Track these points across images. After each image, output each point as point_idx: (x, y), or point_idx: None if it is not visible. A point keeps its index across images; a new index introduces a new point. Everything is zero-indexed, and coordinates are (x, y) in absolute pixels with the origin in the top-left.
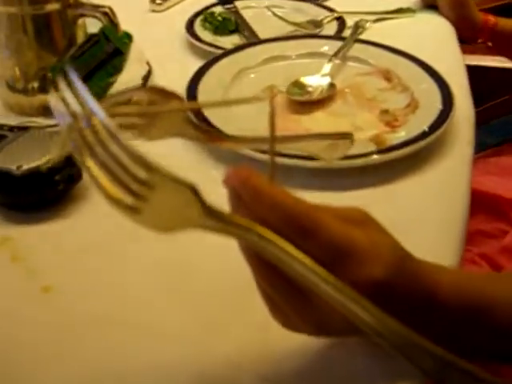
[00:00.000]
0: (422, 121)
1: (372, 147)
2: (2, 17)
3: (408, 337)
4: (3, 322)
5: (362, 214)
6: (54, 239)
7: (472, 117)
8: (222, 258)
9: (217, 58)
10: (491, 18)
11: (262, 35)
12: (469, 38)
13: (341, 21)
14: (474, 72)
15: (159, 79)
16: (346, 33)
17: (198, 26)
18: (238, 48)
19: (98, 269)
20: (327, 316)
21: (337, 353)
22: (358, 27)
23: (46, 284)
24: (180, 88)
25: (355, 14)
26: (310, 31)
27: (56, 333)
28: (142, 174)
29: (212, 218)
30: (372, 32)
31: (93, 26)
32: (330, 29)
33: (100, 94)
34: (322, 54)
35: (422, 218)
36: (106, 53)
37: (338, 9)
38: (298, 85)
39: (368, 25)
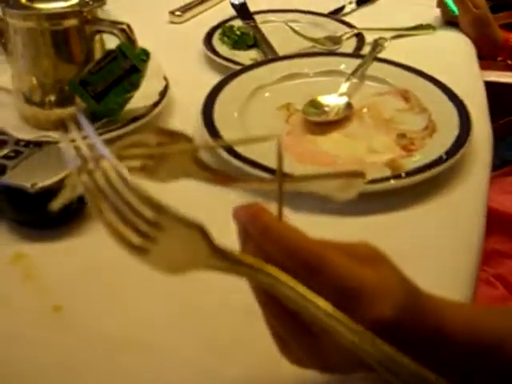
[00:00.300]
0: (439, 145)
1: (387, 172)
2: (20, 31)
3: (418, 372)
4: (14, 341)
5: (371, 251)
6: (66, 257)
7: (490, 139)
8: (233, 278)
9: (234, 75)
10: None
11: (280, 50)
12: (489, 55)
13: (360, 37)
14: (491, 88)
15: (176, 94)
16: (365, 49)
17: (216, 39)
18: (256, 65)
19: (109, 288)
20: (333, 354)
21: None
22: (377, 45)
23: (57, 303)
24: (196, 104)
25: (375, 30)
26: (328, 47)
27: (66, 354)
28: (150, 214)
29: (220, 258)
30: (391, 49)
31: (111, 40)
32: (349, 45)
33: (117, 110)
34: (339, 73)
35: (436, 244)
36: (123, 69)
37: (358, 24)
38: (314, 104)
39: (387, 43)
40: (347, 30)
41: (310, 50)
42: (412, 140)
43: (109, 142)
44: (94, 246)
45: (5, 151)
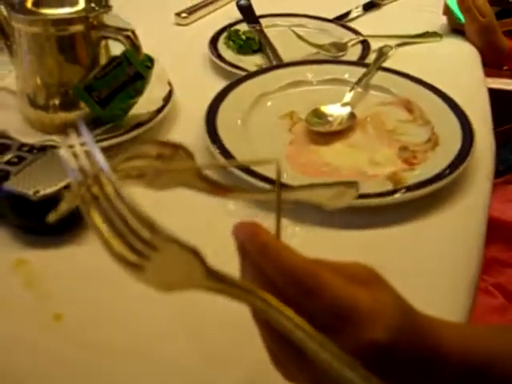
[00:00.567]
0: (441, 160)
1: (389, 185)
2: (25, 35)
3: None
4: (13, 348)
5: (366, 271)
6: (68, 264)
7: (493, 151)
8: None
9: (238, 81)
10: None
11: (285, 55)
12: (494, 64)
13: (365, 45)
14: (496, 94)
15: (180, 99)
16: (371, 56)
17: (221, 43)
18: (260, 71)
19: (110, 297)
20: (323, 374)
21: None
22: (382, 54)
23: (58, 311)
24: (200, 110)
25: (380, 37)
26: (333, 54)
27: (65, 362)
28: (146, 234)
29: (214, 280)
30: (397, 56)
31: (117, 46)
32: (354, 52)
33: (121, 115)
34: (343, 81)
35: (435, 258)
36: (127, 75)
37: (364, 30)
38: (317, 114)
39: (392, 52)
40: (353, 36)
41: (315, 56)
42: (414, 153)
43: (112, 148)
44: (95, 253)
45: (8, 156)
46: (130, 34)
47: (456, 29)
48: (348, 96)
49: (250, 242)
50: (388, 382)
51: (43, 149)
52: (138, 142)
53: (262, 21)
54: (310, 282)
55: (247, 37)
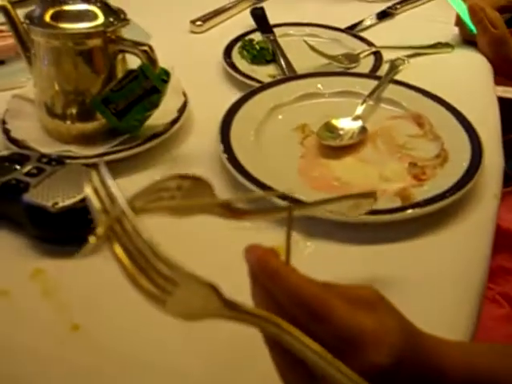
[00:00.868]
0: (449, 176)
1: (397, 201)
2: (44, 48)
3: None
4: (30, 358)
5: (373, 295)
6: (85, 275)
7: (501, 168)
8: None
9: (251, 93)
10: None
11: (298, 65)
12: (506, 75)
13: (378, 56)
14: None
15: (194, 109)
16: (384, 67)
17: (235, 53)
18: (273, 83)
19: (126, 308)
20: None
21: None
22: (394, 67)
23: (75, 322)
24: (214, 121)
25: (393, 48)
26: (346, 65)
27: (81, 373)
28: (165, 270)
29: (230, 310)
30: (408, 66)
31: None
32: (367, 63)
33: (137, 127)
34: (355, 94)
35: (439, 275)
36: (143, 89)
37: (376, 39)
38: (329, 127)
39: (404, 65)
40: (365, 47)
41: (327, 67)
42: (423, 169)
43: (131, 158)
44: (112, 264)
45: (28, 167)
46: (146, 48)
47: (468, 40)
48: (359, 109)
49: (260, 269)
50: None
51: (62, 161)
52: (153, 152)
53: (275, 30)
54: (319, 309)
55: (261, 47)
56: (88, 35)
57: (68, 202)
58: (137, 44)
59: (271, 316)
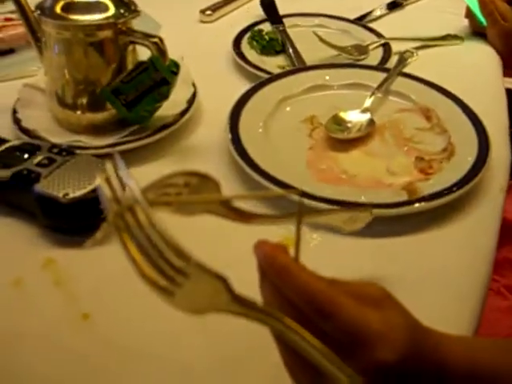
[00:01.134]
0: (455, 171)
1: (403, 195)
2: (54, 38)
3: None
4: (41, 346)
5: (379, 292)
6: (96, 264)
7: (508, 162)
8: None
9: (260, 85)
10: None
11: (307, 56)
12: None
13: (387, 48)
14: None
15: (203, 101)
16: (393, 58)
17: (245, 43)
18: (282, 74)
19: (135, 299)
20: None
21: None
22: (403, 59)
23: (85, 312)
24: (223, 112)
25: (402, 40)
26: (355, 57)
27: (90, 362)
28: (177, 262)
29: (239, 305)
30: (417, 59)
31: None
32: (376, 55)
33: (147, 117)
34: (364, 86)
35: (443, 268)
36: (153, 80)
37: (385, 31)
38: (337, 120)
39: (413, 58)
40: (375, 38)
41: (337, 58)
42: (430, 163)
43: (141, 149)
44: (122, 255)
45: (39, 158)
46: (157, 40)
47: (478, 32)
48: (368, 101)
49: (269, 265)
50: None
51: (72, 152)
52: (162, 143)
53: (284, 21)
54: (326, 306)
55: (270, 37)
56: (99, 27)
57: (79, 192)
58: (147, 36)
59: (277, 313)
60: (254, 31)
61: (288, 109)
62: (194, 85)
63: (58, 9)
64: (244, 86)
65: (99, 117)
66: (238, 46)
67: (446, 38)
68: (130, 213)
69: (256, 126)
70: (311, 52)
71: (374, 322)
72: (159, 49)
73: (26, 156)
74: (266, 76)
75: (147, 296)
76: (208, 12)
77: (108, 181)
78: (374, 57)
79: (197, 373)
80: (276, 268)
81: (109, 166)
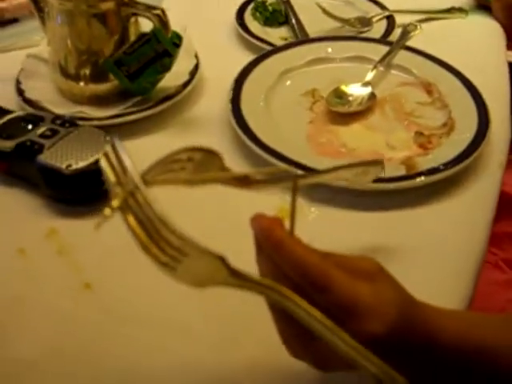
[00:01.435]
0: (454, 146)
1: (402, 170)
2: (57, 9)
3: None
4: (44, 314)
5: (373, 266)
6: (99, 235)
7: (508, 137)
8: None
9: (262, 57)
10: None
11: (310, 28)
12: None
13: (390, 20)
14: None
15: (206, 72)
16: (396, 31)
17: (248, 14)
18: (284, 47)
19: (137, 269)
20: (328, 356)
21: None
22: (406, 33)
23: (87, 281)
24: (225, 83)
25: (406, 12)
26: (358, 29)
27: (92, 330)
28: (176, 241)
29: (236, 278)
30: (421, 32)
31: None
32: (379, 27)
33: (149, 89)
34: (366, 59)
35: (441, 242)
36: (155, 52)
37: (389, 5)
38: (338, 93)
39: (417, 31)
40: (379, 10)
41: (340, 30)
42: (429, 138)
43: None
44: (124, 226)
45: (42, 129)
46: (159, 12)
47: (482, 5)
48: (370, 75)
49: (265, 238)
50: None
51: (75, 123)
52: (165, 114)
53: None
54: (319, 279)
55: (274, 9)
56: None
57: (81, 164)
58: (150, 8)
59: (274, 284)
60: (257, 2)
61: (289, 82)
62: (196, 56)
63: None
64: (246, 58)
65: (102, 88)
66: (241, 17)
67: (451, 10)
68: (131, 196)
69: (257, 98)
70: (314, 24)
71: (365, 296)
72: (161, 21)
73: (29, 127)
74: (269, 48)
75: (148, 267)
76: None
77: (110, 164)
78: (378, 29)
79: (195, 334)
80: (271, 242)
81: (109, 148)
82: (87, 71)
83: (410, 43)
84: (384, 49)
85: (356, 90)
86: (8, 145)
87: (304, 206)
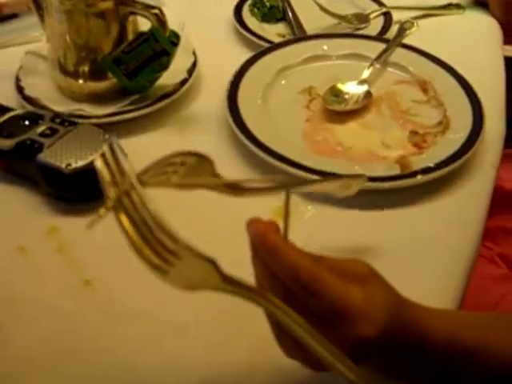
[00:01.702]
0: (449, 145)
1: (396, 169)
2: (56, 8)
3: None
4: (44, 312)
5: (364, 269)
6: (98, 233)
7: (501, 136)
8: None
9: (260, 54)
10: None
11: (307, 24)
12: None
13: (387, 17)
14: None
15: (203, 68)
16: (393, 27)
17: (246, 10)
18: (281, 44)
19: (137, 267)
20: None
21: None
22: (403, 30)
23: (86, 278)
24: (223, 80)
25: (403, 9)
26: (355, 26)
27: (92, 327)
28: (169, 244)
29: (228, 284)
30: (417, 28)
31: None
32: (376, 24)
33: (147, 87)
34: (362, 57)
35: (433, 241)
36: (153, 51)
37: (387, 2)
38: (334, 92)
39: (413, 29)
40: (376, 7)
41: (337, 27)
42: (424, 137)
43: (141, 118)
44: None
45: (42, 128)
46: (157, 11)
47: (479, 1)
48: (366, 73)
49: (260, 243)
50: (379, 371)
51: (74, 122)
52: (163, 112)
53: None
54: (311, 283)
55: (271, 5)
56: None
57: (81, 163)
58: (148, 7)
59: (264, 292)
60: None
61: (286, 79)
62: (194, 53)
63: None
64: (244, 54)
65: (101, 85)
66: (238, 13)
67: (448, 7)
68: (126, 196)
69: (255, 96)
70: (312, 20)
71: (357, 299)
72: (159, 20)
73: (29, 126)
74: (266, 45)
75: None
76: None
77: (106, 164)
78: (375, 26)
79: (190, 333)
80: (266, 247)
81: (106, 148)
82: (86, 68)
83: (406, 40)
84: (380, 46)
85: (352, 88)
86: (8, 143)
87: (301, 204)
